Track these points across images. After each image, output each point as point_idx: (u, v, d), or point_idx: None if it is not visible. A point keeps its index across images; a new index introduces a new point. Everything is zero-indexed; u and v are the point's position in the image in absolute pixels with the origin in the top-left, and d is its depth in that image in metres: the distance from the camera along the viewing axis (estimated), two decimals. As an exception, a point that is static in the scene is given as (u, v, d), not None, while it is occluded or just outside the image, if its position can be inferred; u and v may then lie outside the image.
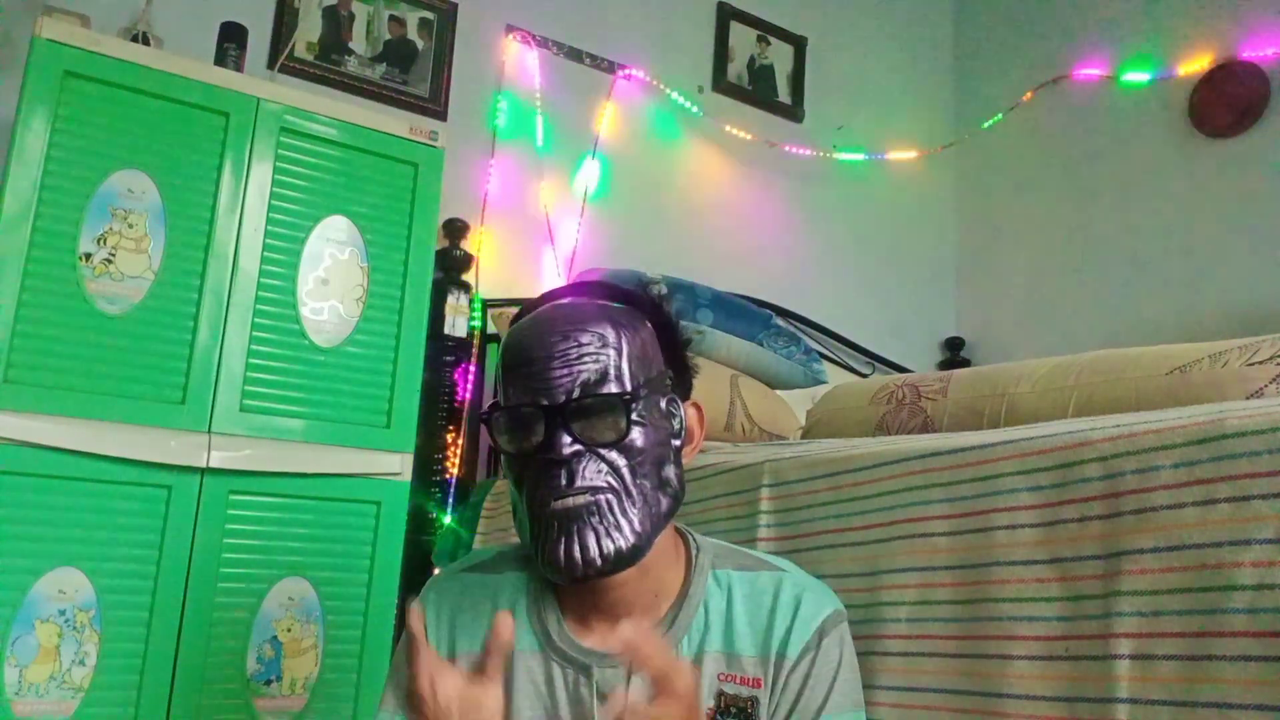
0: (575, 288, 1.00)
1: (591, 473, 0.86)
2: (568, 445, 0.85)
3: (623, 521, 0.86)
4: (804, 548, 1.22)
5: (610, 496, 0.86)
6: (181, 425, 1.69)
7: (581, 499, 0.85)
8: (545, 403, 0.87)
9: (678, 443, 0.94)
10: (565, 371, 0.87)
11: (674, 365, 0.98)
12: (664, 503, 0.90)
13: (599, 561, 0.85)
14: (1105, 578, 0.88)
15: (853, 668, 0.94)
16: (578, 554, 0.84)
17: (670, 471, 0.92)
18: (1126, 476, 0.88)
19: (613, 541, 0.85)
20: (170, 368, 1.71)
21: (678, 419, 0.95)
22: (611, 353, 0.89)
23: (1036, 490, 0.96)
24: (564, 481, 0.86)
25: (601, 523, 0.85)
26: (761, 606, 0.93)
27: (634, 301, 0.97)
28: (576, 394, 0.87)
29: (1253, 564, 0.78)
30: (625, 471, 0.87)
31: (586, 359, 0.88)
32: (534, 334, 0.90)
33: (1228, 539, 0.80)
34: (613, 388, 0.88)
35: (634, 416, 0.88)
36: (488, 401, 2.49)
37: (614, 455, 0.87)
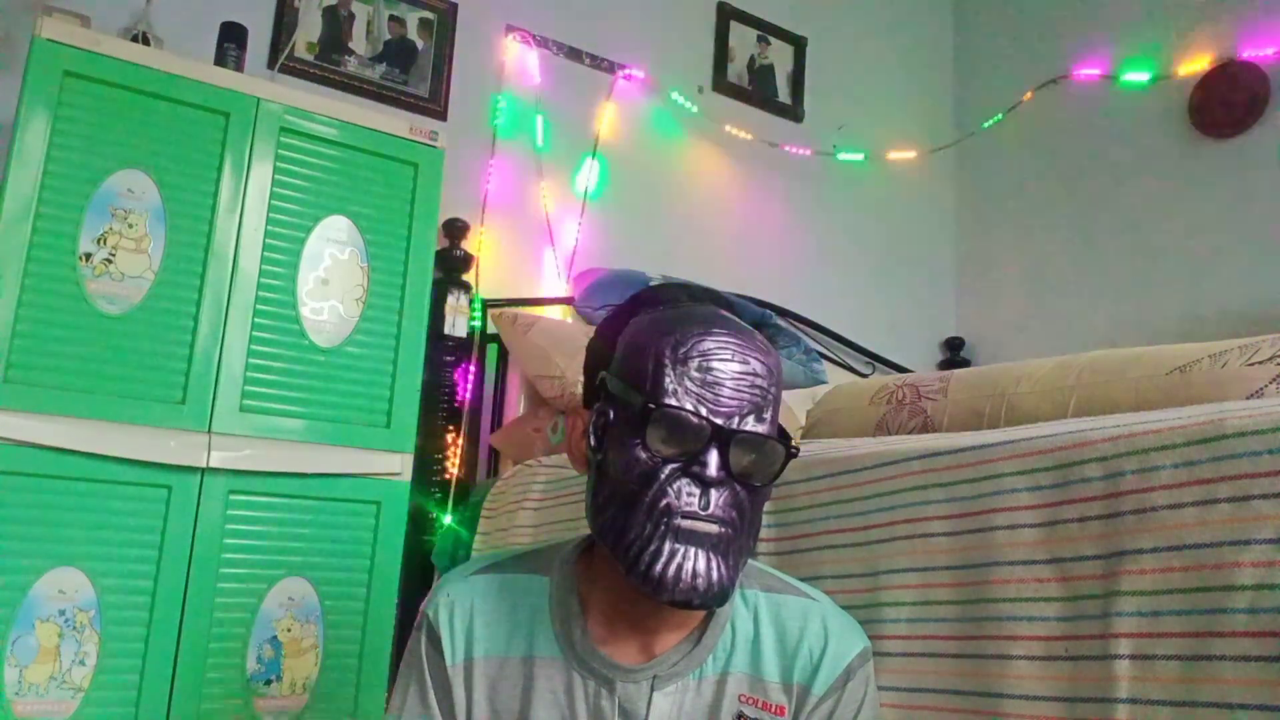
0: (706, 293, 0.96)
1: (724, 504, 0.84)
2: (717, 469, 0.83)
3: (730, 560, 0.84)
4: (804, 548, 1.22)
5: (730, 533, 0.84)
6: (181, 425, 1.69)
7: (712, 528, 0.83)
8: (719, 422, 0.84)
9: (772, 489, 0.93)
10: (739, 396, 0.85)
11: None
12: (750, 550, 0.89)
13: (704, 593, 0.82)
14: (1105, 578, 0.88)
15: (874, 706, 0.94)
16: (688, 579, 0.82)
17: (760, 517, 0.91)
18: (1126, 476, 0.88)
19: (720, 578, 0.83)
20: (170, 368, 1.71)
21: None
22: (774, 390, 0.88)
23: (1036, 490, 0.96)
24: (701, 503, 0.83)
25: (717, 555, 0.83)
26: (789, 633, 0.92)
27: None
28: (747, 424, 0.85)
29: (1253, 564, 0.78)
30: (746, 511, 0.86)
31: (755, 392, 0.86)
32: (711, 341, 0.87)
33: (1228, 539, 0.80)
34: (769, 428, 0.86)
35: (781, 464, 0.87)
36: (487, 402, 2.49)
37: (743, 493, 0.85)
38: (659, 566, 0.82)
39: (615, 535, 0.86)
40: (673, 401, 0.84)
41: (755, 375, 0.86)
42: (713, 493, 0.83)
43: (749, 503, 0.86)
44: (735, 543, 0.85)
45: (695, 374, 0.85)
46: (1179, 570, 0.83)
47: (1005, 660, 0.95)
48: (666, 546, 0.82)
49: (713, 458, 0.83)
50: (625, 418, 0.87)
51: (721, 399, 0.85)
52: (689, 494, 0.83)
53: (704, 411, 0.84)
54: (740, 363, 0.86)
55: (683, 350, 0.86)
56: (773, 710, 0.89)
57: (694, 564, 0.82)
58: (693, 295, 0.95)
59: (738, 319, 0.93)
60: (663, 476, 0.84)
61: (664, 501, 0.83)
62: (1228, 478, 0.81)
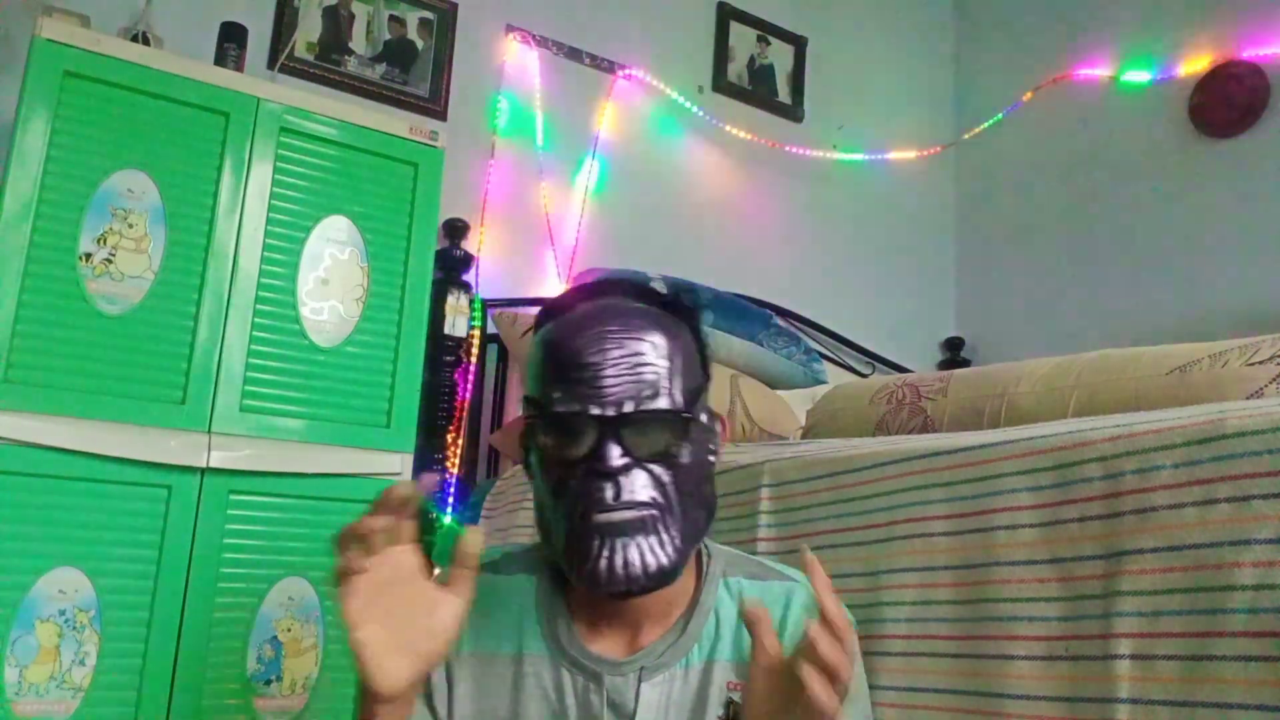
0: (613, 285, 0.97)
1: (638, 487, 0.84)
2: (618, 458, 0.83)
3: (666, 539, 0.85)
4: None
5: (655, 513, 0.85)
6: (181, 425, 1.69)
7: (629, 514, 0.84)
8: (599, 413, 0.85)
9: (713, 458, 0.93)
10: (619, 381, 0.85)
11: (706, 375, 0.96)
12: (700, 520, 0.90)
13: (642, 578, 0.83)
14: (1105, 578, 0.88)
15: (860, 678, 0.94)
16: (620, 569, 0.83)
17: (707, 487, 0.91)
18: (1126, 476, 0.88)
19: (656, 559, 0.84)
20: (170, 368, 1.71)
21: (715, 433, 0.94)
22: (665, 364, 0.87)
23: (1036, 490, 0.96)
24: (610, 494, 0.84)
25: (646, 539, 0.84)
26: (772, 617, 0.92)
27: (675, 308, 0.95)
28: (630, 407, 0.85)
29: (1253, 564, 0.78)
30: (670, 488, 0.86)
31: (642, 369, 0.86)
32: (586, 336, 0.87)
33: (1228, 539, 0.80)
34: (665, 402, 0.86)
35: (687, 433, 0.87)
36: (487, 402, 2.49)
37: (661, 471, 0.86)
38: (589, 565, 0.83)
39: (550, 541, 0.89)
40: (560, 407, 0.86)
41: (639, 356, 0.86)
42: (621, 481, 0.84)
43: (674, 479, 0.86)
44: (663, 520, 0.85)
45: (574, 373, 0.86)
46: (1179, 570, 0.83)
47: (1005, 660, 0.95)
48: (593, 544, 0.84)
49: (610, 449, 0.84)
50: (533, 428, 0.90)
51: (605, 389, 0.85)
52: (598, 489, 0.84)
53: (591, 408, 0.85)
54: (618, 347, 0.86)
55: (560, 353, 0.88)
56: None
57: (623, 555, 0.83)
58: (591, 293, 0.96)
59: (633, 301, 0.93)
60: (573, 478, 0.85)
61: (579, 501, 0.85)
62: (1228, 478, 0.81)
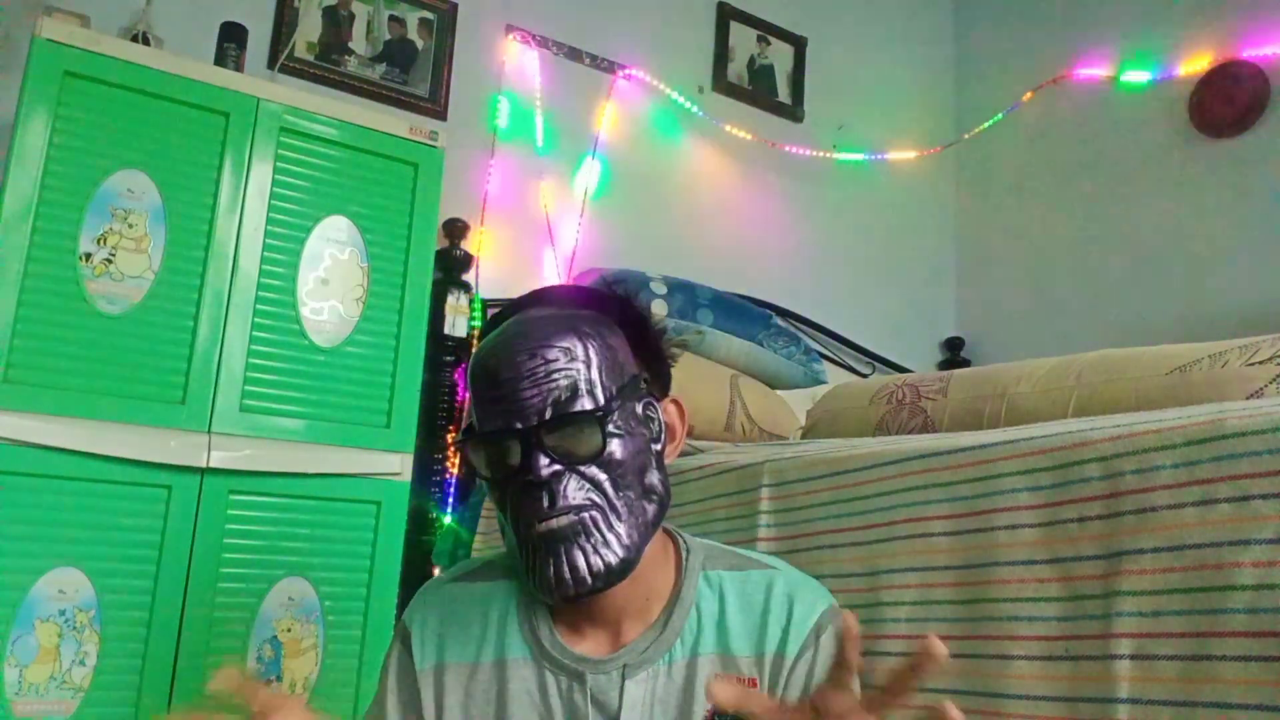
0: (540, 296, 0.98)
1: (573, 491, 0.85)
2: (546, 466, 0.84)
3: (609, 537, 0.85)
4: (804, 548, 1.22)
5: (594, 513, 0.85)
6: (181, 425, 1.69)
7: (566, 519, 0.84)
8: (519, 425, 0.86)
9: (658, 446, 0.93)
10: (535, 391, 0.86)
11: (649, 364, 0.96)
12: (650, 510, 0.90)
13: (589, 580, 0.84)
14: (1105, 578, 0.88)
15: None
16: (567, 574, 0.84)
17: (654, 477, 0.91)
18: (1126, 476, 0.88)
19: (601, 558, 0.85)
20: (170, 368, 1.71)
21: (656, 422, 0.94)
22: (580, 366, 0.88)
23: (1036, 490, 0.96)
24: (546, 503, 0.85)
25: (589, 541, 0.85)
26: (754, 606, 0.92)
27: (601, 304, 0.96)
28: (548, 414, 0.86)
29: (1253, 564, 0.78)
30: (607, 486, 0.87)
31: (555, 375, 0.86)
32: (500, 354, 0.89)
33: (1228, 539, 0.80)
34: (585, 403, 0.87)
35: (610, 429, 0.87)
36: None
37: (593, 471, 0.86)
38: (538, 575, 0.85)
39: (511, 553, 0.91)
40: (487, 427, 0.88)
41: (551, 362, 0.87)
42: (554, 488, 0.85)
43: (610, 476, 0.87)
44: (605, 519, 0.86)
45: (492, 392, 0.88)
46: (1179, 570, 0.83)
47: (1005, 660, 0.95)
48: (537, 554, 0.85)
49: (536, 459, 0.85)
50: (466, 453, 0.93)
51: (521, 401, 0.86)
52: (533, 500, 0.85)
53: (512, 423, 0.86)
54: (529, 357, 0.87)
55: (477, 377, 0.90)
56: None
57: (567, 560, 0.84)
58: (513, 309, 0.97)
59: (548, 309, 0.94)
60: (510, 494, 0.87)
61: (519, 516, 0.87)
62: (1228, 478, 0.81)
